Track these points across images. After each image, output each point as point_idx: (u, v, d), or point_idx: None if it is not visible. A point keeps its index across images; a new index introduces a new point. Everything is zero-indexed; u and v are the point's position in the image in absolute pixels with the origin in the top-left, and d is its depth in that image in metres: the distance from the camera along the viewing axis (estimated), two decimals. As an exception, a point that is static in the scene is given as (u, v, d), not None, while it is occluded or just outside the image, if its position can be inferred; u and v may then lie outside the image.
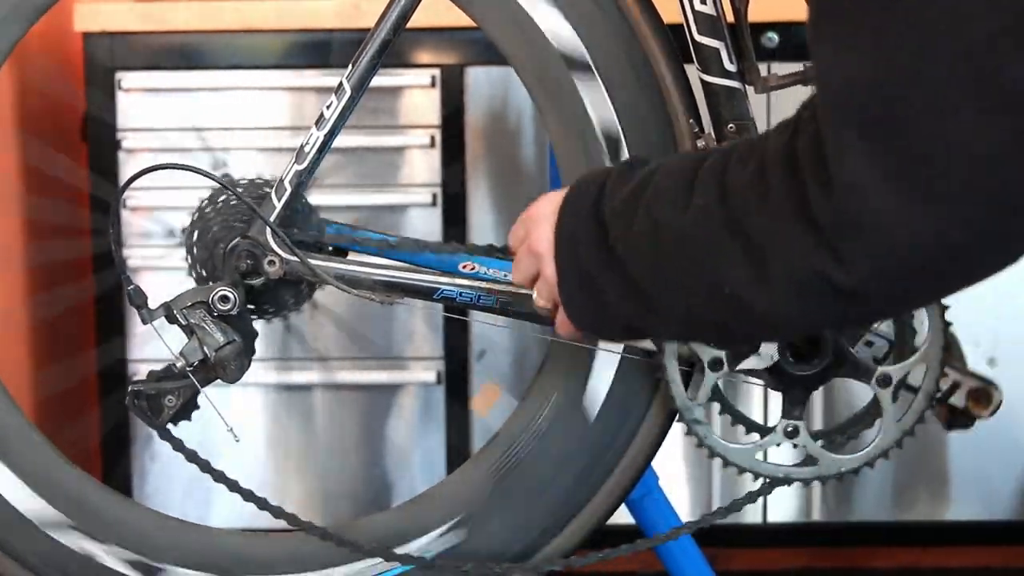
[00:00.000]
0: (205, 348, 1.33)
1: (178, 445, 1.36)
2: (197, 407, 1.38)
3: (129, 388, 1.35)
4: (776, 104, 2.30)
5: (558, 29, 1.36)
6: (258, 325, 1.40)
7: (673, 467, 2.33)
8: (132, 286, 1.32)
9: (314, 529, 1.39)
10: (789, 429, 1.37)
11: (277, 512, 1.37)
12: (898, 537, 2.41)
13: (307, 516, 1.40)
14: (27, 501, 1.42)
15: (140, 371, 2.28)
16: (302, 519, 1.38)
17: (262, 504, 1.37)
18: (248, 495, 1.37)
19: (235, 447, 1.43)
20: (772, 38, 2.27)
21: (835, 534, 2.41)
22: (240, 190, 1.37)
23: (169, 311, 1.34)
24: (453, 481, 1.46)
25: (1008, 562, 2.43)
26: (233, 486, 1.37)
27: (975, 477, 2.37)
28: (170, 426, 1.36)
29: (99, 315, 2.37)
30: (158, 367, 1.36)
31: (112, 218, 1.33)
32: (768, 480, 1.38)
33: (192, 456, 1.37)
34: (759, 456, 1.38)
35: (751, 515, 2.37)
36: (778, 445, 1.37)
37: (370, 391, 2.37)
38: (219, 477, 1.37)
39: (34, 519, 1.42)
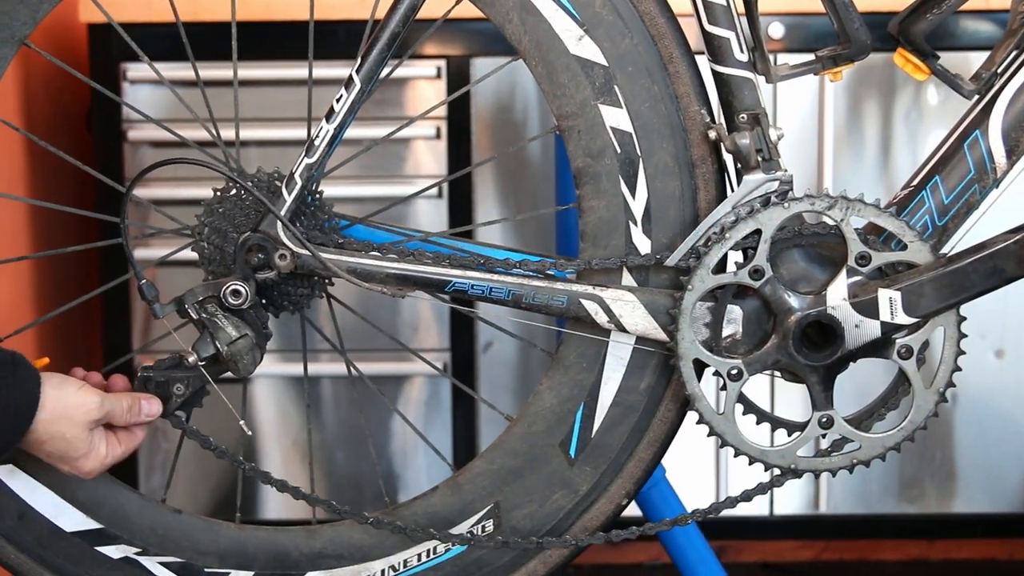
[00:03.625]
0: (217, 343, 1.32)
1: (189, 430, 1.37)
2: (202, 403, 1.38)
3: (139, 374, 1.34)
4: (782, 94, 2.29)
5: (567, 22, 1.36)
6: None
7: (678, 460, 2.33)
8: (143, 281, 1.32)
9: (357, 516, 1.40)
10: (823, 420, 1.36)
11: (313, 499, 1.37)
12: (905, 530, 2.41)
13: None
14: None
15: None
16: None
17: (309, 497, 1.38)
18: (287, 488, 1.39)
19: (237, 437, 1.43)
20: (778, 28, 2.27)
21: (842, 527, 2.41)
22: (251, 184, 1.37)
23: (180, 306, 1.33)
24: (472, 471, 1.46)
25: (1014, 554, 2.43)
26: (249, 470, 1.38)
27: (982, 470, 2.36)
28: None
29: (106, 307, 2.36)
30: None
31: (122, 213, 1.33)
32: (815, 474, 1.38)
33: (205, 442, 1.37)
34: (801, 452, 1.37)
35: (758, 508, 2.37)
36: (823, 437, 1.37)
37: (377, 382, 2.36)
38: (236, 462, 1.37)
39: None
